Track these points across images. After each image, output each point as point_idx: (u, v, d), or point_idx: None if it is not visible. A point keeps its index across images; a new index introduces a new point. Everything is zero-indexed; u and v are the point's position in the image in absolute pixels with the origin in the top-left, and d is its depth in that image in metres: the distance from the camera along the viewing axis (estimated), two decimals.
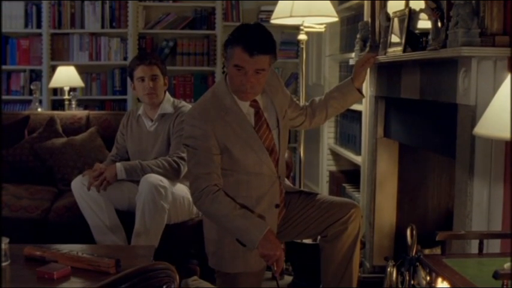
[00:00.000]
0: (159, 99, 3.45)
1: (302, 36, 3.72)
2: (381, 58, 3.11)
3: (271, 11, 3.79)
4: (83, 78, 5.94)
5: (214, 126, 2.61)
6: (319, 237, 2.89)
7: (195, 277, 3.33)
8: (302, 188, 3.33)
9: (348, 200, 2.98)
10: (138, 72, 3.40)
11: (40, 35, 6.10)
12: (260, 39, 2.58)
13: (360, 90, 3.02)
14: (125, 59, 6.09)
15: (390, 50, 3.04)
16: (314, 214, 2.80)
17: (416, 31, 2.87)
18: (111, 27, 6.18)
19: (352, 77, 3.03)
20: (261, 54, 2.55)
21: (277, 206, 2.74)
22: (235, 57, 2.56)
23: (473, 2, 2.30)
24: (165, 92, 3.50)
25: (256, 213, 2.65)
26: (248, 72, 2.56)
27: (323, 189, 5.06)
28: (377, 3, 3.38)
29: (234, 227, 2.59)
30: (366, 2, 3.80)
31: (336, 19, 3.74)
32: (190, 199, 3.36)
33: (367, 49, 3.39)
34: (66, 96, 5.71)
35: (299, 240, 3.42)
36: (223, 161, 2.66)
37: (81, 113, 4.60)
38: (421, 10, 2.76)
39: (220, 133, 2.62)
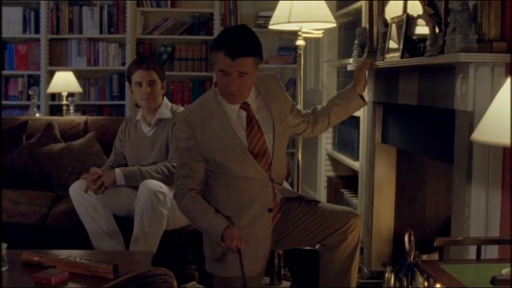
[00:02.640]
0: (157, 104, 3.45)
1: (300, 42, 3.73)
2: (379, 64, 3.11)
3: (270, 17, 3.79)
4: (81, 84, 5.94)
5: (196, 131, 2.68)
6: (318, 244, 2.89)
7: (194, 282, 3.33)
8: (301, 194, 3.32)
9: (348, 209, 2.97)
10: (136, 77, 3.40)
11: (38, 40, 6.10)
12: (242, 42, 2.58)
13: (362, 97, 3.02)
14: (123, 64, 6.09)
15: (388, 55, 3.04)
16: (314, 223, 2.79)
17: (414, 37, 2.88)
18: (109, 32, 6.19)
19: (353, 84, 3.03)
20: (244, 57, 2.56)
21: (270, 210, 2.73)
22: (219, 61, 2.59)
23: (471, 8, 2.31)
24: (163, 97, 3.50)
25: (248, 217, 2.68)
26: (232, 75, 2.58)
27: (321, 195, 5.06)
28: (375, 9, 3.39)
29: (200, 227, 2.72)
30: (364, 8, 3.81)
31: (334, 25, 3.75)
32: None
33: (365, 55, 3.40)
34: (64, 102, 5.71)
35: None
36: (211, 164, 2.72)
37: (79, 118, 4.60)
38: (419, 16, 2.77)
39: (203, 137, 2.68)
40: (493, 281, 1.66)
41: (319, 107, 3.05)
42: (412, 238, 2.26)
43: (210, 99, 2.74)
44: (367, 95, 3.53)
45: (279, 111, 2.81)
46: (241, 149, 2.69)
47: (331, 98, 3.13)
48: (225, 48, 2.56)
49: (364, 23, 3.71)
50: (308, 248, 3.43)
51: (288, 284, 3.64)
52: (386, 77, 3.23)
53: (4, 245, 2.36)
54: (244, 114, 2.72)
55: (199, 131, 2.67)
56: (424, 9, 2.64)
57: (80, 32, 6.18)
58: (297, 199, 2.88)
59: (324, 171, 5.11)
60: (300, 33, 3.70)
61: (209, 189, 2.76)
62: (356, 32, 3.65)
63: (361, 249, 3.56)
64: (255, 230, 2.70)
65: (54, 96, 6.16)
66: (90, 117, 4.62)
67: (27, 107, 5.83)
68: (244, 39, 2.60)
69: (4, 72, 6.10)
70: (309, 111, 3.06)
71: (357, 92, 3.00)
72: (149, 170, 3.28)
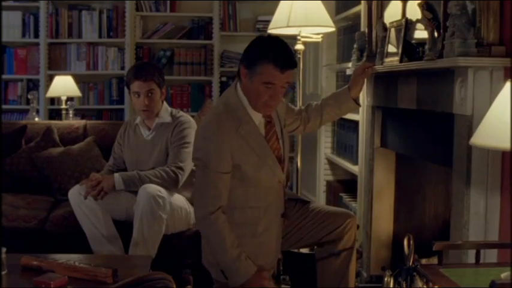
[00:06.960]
0: (155, 112, 3.44)
1: (299, 46, 3.73)
2: (378, 68, 3.12)
3: (269, 21, 3.80)
4: (80, 88, 5.94)
5: (230, 140, 2.55)
6: (315, 246, 2.89)
7: (189, 287, 3.32)
8: (296, 194, 3.32)
9: (343, 209, 2.98)
10: (134, 87, 3.38)
11: (37, 44, 6.11)
12: (289, 54, 2.57)
13: (356, 101, 3.02)
14: (122, 68, 6.10)
15: (387, 60, 3.05)
16: (310, 224, 2.80)
17: (413, 41, 2.89)
18: (109, 36, 6.20)
19: (349, 86, 3.03)
20: (291, 69, 2.56)
21: (282, 215, 2.73)
22: (266, 74, 2.52)
23: (470, 12, 2.32)
24: (162, 102, 3.50)
25: (264, 223, 2.64)
26: (277, 87, 2.56)
27: (320, 199, 5.06)
28: (374, 13, 3.39)
29: (223, 261, 2.59)
30: (362, 12, 3.82)
31: (332, 29, 3.76)
32: (188, 209, 3.38)
33: (364, 59, 3.40)
34: (64, 106, 5.71)
35: (296, 250, 3.42)
36: (235, 175, 2.60)
37: (78, 122, 4.60)
38: (418, 20, 2.78)
39: (235, 147, 2.56)
40: (492, 285, 1.66)
41: (313, 104, 3.04)
42: (411, 242, 2.25)
43: (235, 106, 2.62)
44: (366, 99, 3.54)
45: (282, 115, 2.82)
46: (273, 160, 2.65)
47: (325, 97, 3.13)
48: (274, 60, 2.51)
49: (363, 27, 3.72)
50: (306, 252, 3.44)
51: None
52: (385, 81, 3.24)
53: (3, 249, 2.36)
54: (263, 121, 2.68)
55: (233, 139, 2.56)
56: (422, 14, 2.64)
57: (79, 36, 6.19)
58: (292, 200, 2.88)
59: (323, 175, 5.11)
60: (299, 37, 3.70)
61: None
62: (355, 36, 3.66)
63: (360, 253, 3.57)
64: (269, 235, 2.68)
65: (53, 100, 6.17)
66: (89, 122, 4.61)
67: (26, 111, 5.84)
68: (290, 51, 2.58)
69: (3, 76, 6.11)
70: (302, 107, 3.06)
71: (351, 95, 3.00)
72: (148, 175, 3.27)
